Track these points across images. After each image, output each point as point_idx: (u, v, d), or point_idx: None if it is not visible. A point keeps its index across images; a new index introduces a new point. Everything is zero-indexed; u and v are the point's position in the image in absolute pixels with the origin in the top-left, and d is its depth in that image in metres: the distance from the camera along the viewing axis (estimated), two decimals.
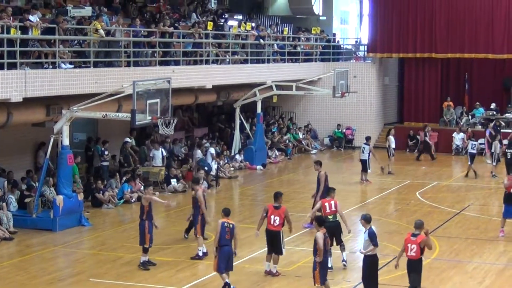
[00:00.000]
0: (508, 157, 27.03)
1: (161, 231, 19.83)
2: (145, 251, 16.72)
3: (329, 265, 15.57)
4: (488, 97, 37.62)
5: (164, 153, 27.36)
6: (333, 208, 16.61)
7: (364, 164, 27.76)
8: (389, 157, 30.11)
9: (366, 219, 14.08)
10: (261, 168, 31.53)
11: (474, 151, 29.09)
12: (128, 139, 27.03)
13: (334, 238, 16.45)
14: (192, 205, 17.81)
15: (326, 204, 16.67)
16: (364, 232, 14.01)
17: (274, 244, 15.89)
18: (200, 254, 17.40)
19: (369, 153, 27.66)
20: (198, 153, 28.59)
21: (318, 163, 20.54)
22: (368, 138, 28.45)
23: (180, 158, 28.98)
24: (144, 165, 26.83)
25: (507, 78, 38.05)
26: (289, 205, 23.13)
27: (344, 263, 16.71)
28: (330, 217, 16.50)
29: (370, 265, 13.98)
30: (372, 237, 13.83)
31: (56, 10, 23.74)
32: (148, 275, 16.28)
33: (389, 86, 39.54)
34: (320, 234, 13.93)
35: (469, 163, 29.21)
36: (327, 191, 17.58)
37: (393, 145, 30.16)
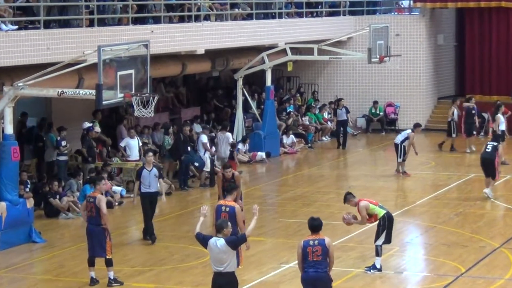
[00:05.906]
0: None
1: (140, 248, 19.84)
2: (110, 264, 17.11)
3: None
4: None
5: (141, 143, 27.35)
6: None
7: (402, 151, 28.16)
8: (452, 135, 31.76)
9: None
10: (264, 157, 31.32)
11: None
12: (88, 124, 26.85)
13: None
14: None
15: None
16: None
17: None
18: None
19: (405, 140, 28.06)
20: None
21: None
22: (417, 125, 29.17)
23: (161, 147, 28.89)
24: (113, 160, 26.80)
25: None
26: (312, 210, 23.21)
27: None
28: None
29: None
30: None
31: None
32: None
33: (444, 48, 39.47)
34: None
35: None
36: None
37: (456, 119, 31.88)
